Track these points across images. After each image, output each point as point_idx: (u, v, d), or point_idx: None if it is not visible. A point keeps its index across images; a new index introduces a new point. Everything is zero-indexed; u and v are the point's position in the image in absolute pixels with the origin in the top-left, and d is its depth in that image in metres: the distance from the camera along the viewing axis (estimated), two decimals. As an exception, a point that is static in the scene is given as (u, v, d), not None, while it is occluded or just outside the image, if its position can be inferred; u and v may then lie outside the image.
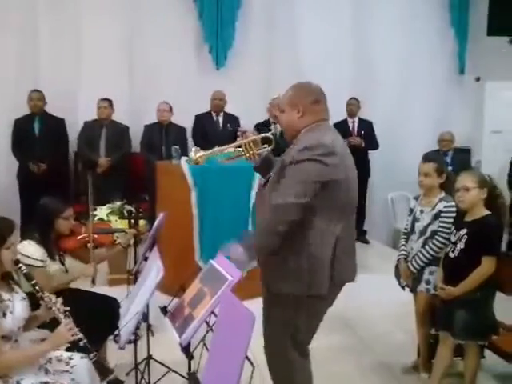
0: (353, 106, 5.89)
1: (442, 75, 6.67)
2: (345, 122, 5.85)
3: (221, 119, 5.72)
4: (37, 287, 2.14)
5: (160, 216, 3.21)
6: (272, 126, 5.06)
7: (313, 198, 1.98)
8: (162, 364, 2.99)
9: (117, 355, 2.98)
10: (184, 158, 4.11)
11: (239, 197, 3.94)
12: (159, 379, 2.91)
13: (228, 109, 5.80)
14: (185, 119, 5.68)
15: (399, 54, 6.42)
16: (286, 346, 2.16)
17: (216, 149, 2.31)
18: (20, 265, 2.14)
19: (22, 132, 5.34)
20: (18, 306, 2.09)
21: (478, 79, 6.60)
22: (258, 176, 3.93)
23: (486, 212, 2.68)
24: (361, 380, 3.16)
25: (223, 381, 1.39)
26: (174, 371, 2.94)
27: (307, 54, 6.22)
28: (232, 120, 5.72)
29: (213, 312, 1.84)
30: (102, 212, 4.25)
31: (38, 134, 5.36)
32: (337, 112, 5.60)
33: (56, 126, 5.46)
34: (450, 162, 5.35)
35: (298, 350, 2.20)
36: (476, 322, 2.64)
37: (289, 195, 1.98)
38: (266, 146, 2.34)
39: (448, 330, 2.71)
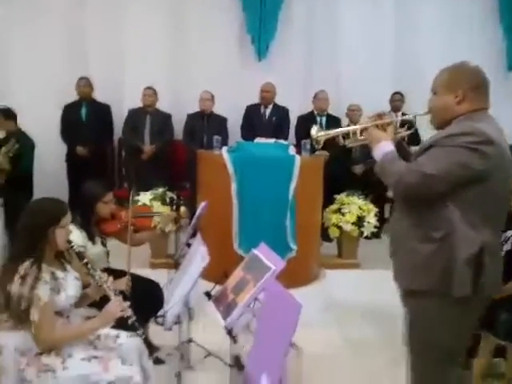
0: (397, 101, 5.83)
1: (489, 72, 6.41)
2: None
3: (268, 111, 5.76)
4: (88, 265, 2.24)
5: (202, 205, 3.29)
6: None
7: (456, 186, 1.80)
8: (203, 347, 3.08)
9: (158, 337, 3.09)
10: (225, 148, 4.18)
11: (278, 187, 3.95)
12: (199, 362, 3.01)
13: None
14: (226, 109, 5.74)
15: (444, 49, 6.21)
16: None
17: (339, 129, 2.24)
18: (72, 244, 2.24)
19: (70, 117, 5.59)
20: (71, 285, 2.19)
21: (526, 76, 6.40)
22: (297, 168, 3.97)
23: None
24: (393, 373, 3.15)
25: (268, 366, 1.44)
26: (214, 355, 3.03)
27: (349, 46, 6.19)
28: (280, 111, 5.74)
29: (257, 299, 1.90)
30: (144, 197, 4.37)
31: (85, 119, 5.60)
32: (380, 107, 5.56)
33: (102, 112, 5.68)
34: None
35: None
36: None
37: (429, 168, 1.80)
38: (401, 130, 2.20)
39: (490, 330, 2.70)
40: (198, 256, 2.25)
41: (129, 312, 2.17)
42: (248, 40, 6.12)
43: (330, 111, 5.76)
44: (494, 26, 6.44)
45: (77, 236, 2.77)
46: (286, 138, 5.26)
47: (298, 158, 4.00)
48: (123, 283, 2.42)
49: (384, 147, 2.00)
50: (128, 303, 2.20)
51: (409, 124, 2.22)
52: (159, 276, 3.30)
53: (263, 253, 2.16)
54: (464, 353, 2.10)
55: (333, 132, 2.21)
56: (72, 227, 2.75)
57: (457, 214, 1.83)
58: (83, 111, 5.60)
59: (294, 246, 3.95)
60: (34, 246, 2.06)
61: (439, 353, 1.96)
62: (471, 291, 1.83)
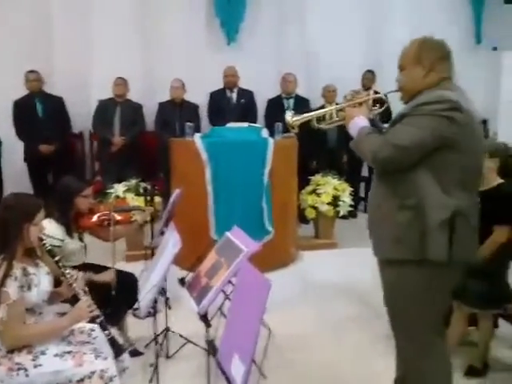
0: (368, 79, 5.84)
1: (457, 45, 6.47)
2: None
3: (234, 95, 5.72)
4: (59, 264, 2.19)
5: (176, 192, 3.24)
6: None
7: (429, 152, 1.82)
8: (180, 335, 3.07)
9: (136, 328, 3.06)
10: (197, 135, 4.13)
11: (253, 171, 3.93)
12: (177, 350, 3.00)
13: (239, 84, 5.77)
14: (197, 96, 5.68)
15: (414, 26, 6.24)
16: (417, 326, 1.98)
17: (314, 113, 2.22)
18: (44, 241, 2.19)
19: (23, 113, 5.28)
20: (43, 280, 2.14)
21: (494, 49, 6.47)
22: (271, 151, 3.94)
23: (500, 180, 2.66)
24: (376, 347, 3.18)
25: (240, 347, 1.43)
26: (191, 342, 3.01)
27: (319, 26, 6.17)
28: (246, 95, 5.71)
29: (230, 281, 1.88)
30: (118, 189, 4.31)
31: (41, 114, 5.34)
32: (352, 85, 5.55)
33: (57, 105, 5.43)
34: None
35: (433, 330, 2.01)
36: (489, 291, 2.64)
37: (402, 139, 1.82)
38: (375, 107, 2.20)
39: (462, 299, 2.73)
40: (171, 243, 2.23)
41: (98, 312, 2.14)
42: (217, 24, 6.03)
43: (301, 93, 5.73)
44: (463, 2, 6.49)
45: (55, 230, 2.72)
46: (254, 121, 5.24)
47: (271, 140, 3.97)
48: (109, 274, 2.37)
49: (358, 123, 2.03)
50: (95, 307, 2.14)
51: (380, 102, 2.22)
52: (135, 269, 3.24)
53: (236, 236, 2.15)
54: (443, 322, 2.11)
55: (308, 115, 2.19)
56: (50, 222, 2.70)
57: (429, 180, 1.84)
58: (38, 106, 5.32)
59: (270, 229, 3.94)
60: (6, 242, 2.00)
61: (421, 323, 1.97)
62: (447, 256, 1.83)
